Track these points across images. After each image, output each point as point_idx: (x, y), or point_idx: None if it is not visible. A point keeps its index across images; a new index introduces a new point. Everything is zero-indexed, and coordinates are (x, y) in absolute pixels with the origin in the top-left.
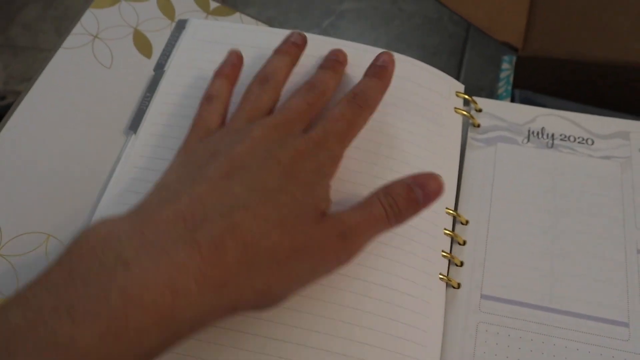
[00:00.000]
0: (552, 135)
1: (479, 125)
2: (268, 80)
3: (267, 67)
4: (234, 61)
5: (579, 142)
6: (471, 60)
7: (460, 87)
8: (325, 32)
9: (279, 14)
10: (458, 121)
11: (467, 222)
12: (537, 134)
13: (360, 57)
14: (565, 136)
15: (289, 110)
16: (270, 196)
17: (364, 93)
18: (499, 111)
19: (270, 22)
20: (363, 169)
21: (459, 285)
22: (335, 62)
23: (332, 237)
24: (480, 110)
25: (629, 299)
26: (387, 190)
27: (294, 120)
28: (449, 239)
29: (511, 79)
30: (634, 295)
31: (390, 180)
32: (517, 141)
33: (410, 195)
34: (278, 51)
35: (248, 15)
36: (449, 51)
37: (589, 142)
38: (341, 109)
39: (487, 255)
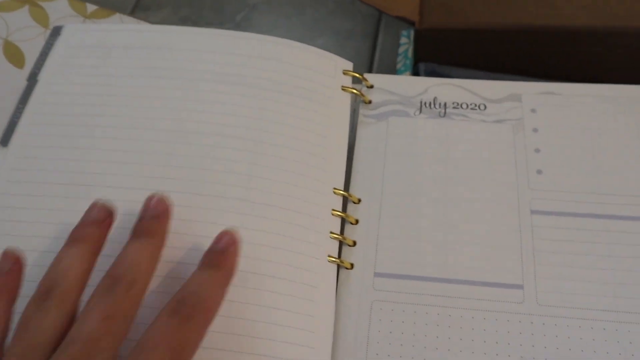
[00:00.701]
0: (445, 104)
1: (370, 102)
2: (51, 292)
3: (51, 271)
4: (11, 266)
5: (471, 109)
6: (385, 40)
7: (349, 65)
8: (239, 27)
9: (192, 13)
10: (346, 100)
11: (359, 200)
12: (430, 104)
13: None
14: (458, 104)
15: (79, 343)
16: None
17: (194, 296)
18: (390, 85)
19: (184, 21)
20: (244, 158)
21: (352, 266)
22: (152, 220)
23: None
24: (371, 87)
25: (523, 261)
26: None
27: (89, 357)
28: (338, 220)
29: (410, 53)
30: (528, 257)
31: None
32: (409, 113)
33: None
34: (70, 240)
35: (136, 17)
36: (363, 33)
37: (482, 107)
38: (160, 329)
39: (380, 233)
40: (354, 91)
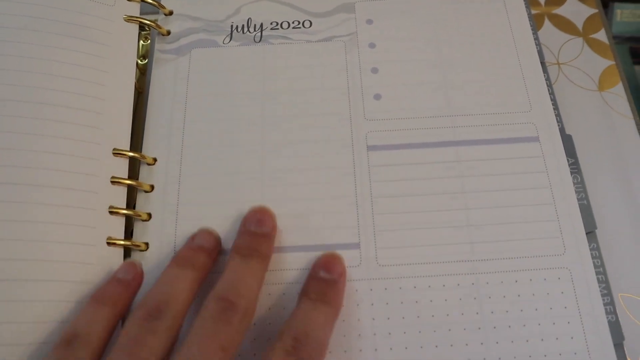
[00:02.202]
0: (261, 25)
1: (168, 33)
2: (162, 312)
3: (161, 290)
4: (128, 278)
5: (293, 28)
6: None
7: None
8: None
9: None
10: (132, 33)
11: (154, 161)
12: (242, 27)
13: None
14: (277, 23)
15: None
16: None
17: (311, 339)
18: (194, 10)
19: None
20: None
21: (147, 247)
22: (260, 241)
23: None
24: (170, 13)
25: (359, 212)
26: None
27: None
28: (122, 189)
29: None
30: (365, 206)
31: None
32: (217, 42)
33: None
34: (179, 262)
35: None
36: None
37: (306, 24)
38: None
39: (181, 199)
40: (145, 21)
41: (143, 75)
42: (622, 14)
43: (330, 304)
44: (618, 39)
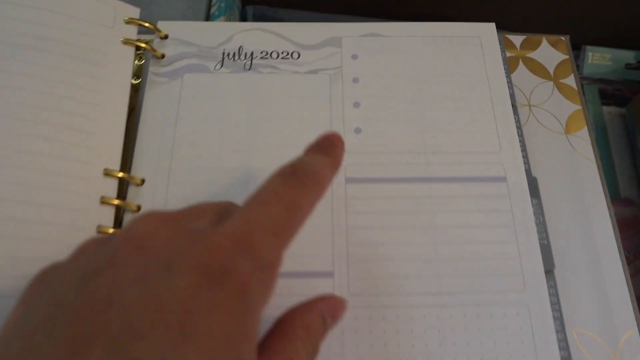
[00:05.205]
0: (252, 54)
1: (163, 56)
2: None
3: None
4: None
5: (282, 58)
6: None
7: (134, 12)
8: None
9: None
10: (128, 55)
11: (142, 181)
12: (233, 55)
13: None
14: (267, 53)
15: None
16: None
17: (309, 166)
18: (188, 35)
19: None
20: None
21: None
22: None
23: None
24: (166, 37)
25: (334, 241)
26: (307, 327)
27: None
28: (111, 209)
29: None
30: (340, 236)
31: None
32: (209, 68)
33: (326, 329)
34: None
35: None
36: None
37: (294, 56)
38: (276, 187)
39: None
40: (140, 44)
41: (136, 93)
42: (593, 57)
43: (330, 157)
44: (588, 80)
